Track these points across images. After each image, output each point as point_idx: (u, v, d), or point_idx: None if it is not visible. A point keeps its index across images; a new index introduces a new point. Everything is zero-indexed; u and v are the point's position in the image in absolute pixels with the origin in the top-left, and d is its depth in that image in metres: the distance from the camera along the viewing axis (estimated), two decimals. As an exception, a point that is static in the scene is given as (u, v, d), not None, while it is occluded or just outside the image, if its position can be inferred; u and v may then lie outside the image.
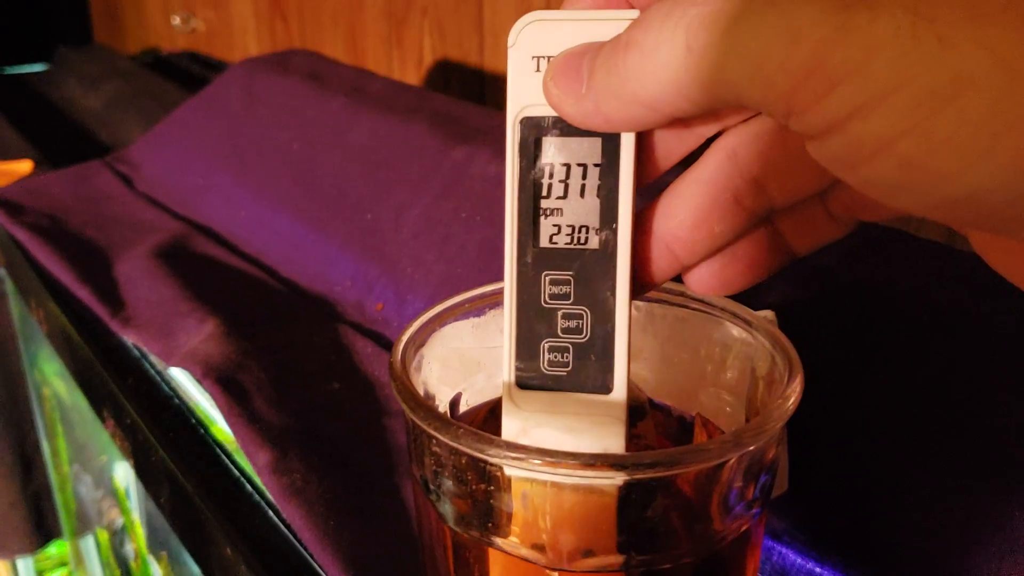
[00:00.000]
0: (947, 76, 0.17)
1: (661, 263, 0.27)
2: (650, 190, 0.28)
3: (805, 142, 0.21)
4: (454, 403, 0.34)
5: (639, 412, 0.33)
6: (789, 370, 0.29)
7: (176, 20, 1.76)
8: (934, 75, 0.17)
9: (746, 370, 0.32)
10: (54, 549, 1.07)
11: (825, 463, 0.39)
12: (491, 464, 0.26)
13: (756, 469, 0.28)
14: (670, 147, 0.27)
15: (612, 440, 0.28)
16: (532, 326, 0.27)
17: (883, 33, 0.18)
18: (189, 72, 1.44)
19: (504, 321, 0.28)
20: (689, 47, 0.21)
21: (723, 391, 0.33)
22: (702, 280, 0.29)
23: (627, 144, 0.26)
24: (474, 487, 0.27)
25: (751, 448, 0.26)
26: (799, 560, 0.39)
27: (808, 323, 0.42)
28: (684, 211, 0.27)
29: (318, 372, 0.54)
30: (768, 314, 0.38)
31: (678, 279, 0.29)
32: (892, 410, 0.39)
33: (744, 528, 0.28)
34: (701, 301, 0.33)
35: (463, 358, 0.34)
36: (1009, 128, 0.17)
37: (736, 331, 0.32)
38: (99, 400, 0.60)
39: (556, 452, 0.24)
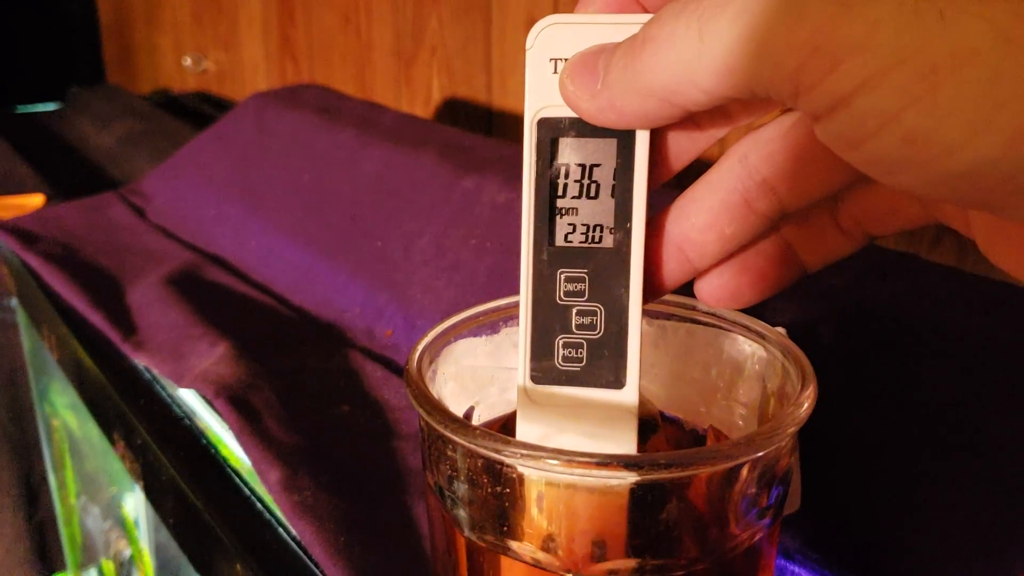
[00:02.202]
0: (948, 49, 0.18)
1: (673, 265, 0.28)
2: (664, 197, 0.28)
3: (813, 125, 0.21)
4: (466, 417, 0.34)
5: (651, 426, 0.33)
6: (802, 379, 0.29)
7: (187, 61, 1.78)
8: (936, 48, 0.18)
9: (758, 384, 0.32)
10: (57, 582, 1.06)
11: (836, 482, 0.39)
12: (507, 466, 0.26)
13: (769, 477, 0.28)
14: (682, 148, 0.27)
15: (625, 439, 0.28)
16: (547, 323, 0.28)
17: (885, 8, 0.18)
18: (200, 112, 1.46)
19: (520, 317, 0.28)
20: (701, 35, 0.21)
21: (735, 405, 0.33)
22: (713, 292, 0.29)
23: (641, 144, 0.26)
24: (489, 491, 0.27)
25: (763, 452, 0.26)
26: (811, 579, 0.39)
27: (819, 343, 0.43)
28: (696, 213, 0.27)
29: (328, 395, 0.54)
30: (780, 331, 0.39)
31: (691, 292, 0.30)
32: (903, 430, 0.39)
33: (757, 537, 0.28)
34: (712, 315, 0.33)
35: (476, 376, 0.34)
36: (1010, 99, 0.17)
37: (748, 345, 0.33)
38: (109, 422, 0.60)
39: (572, 452, 0.25)
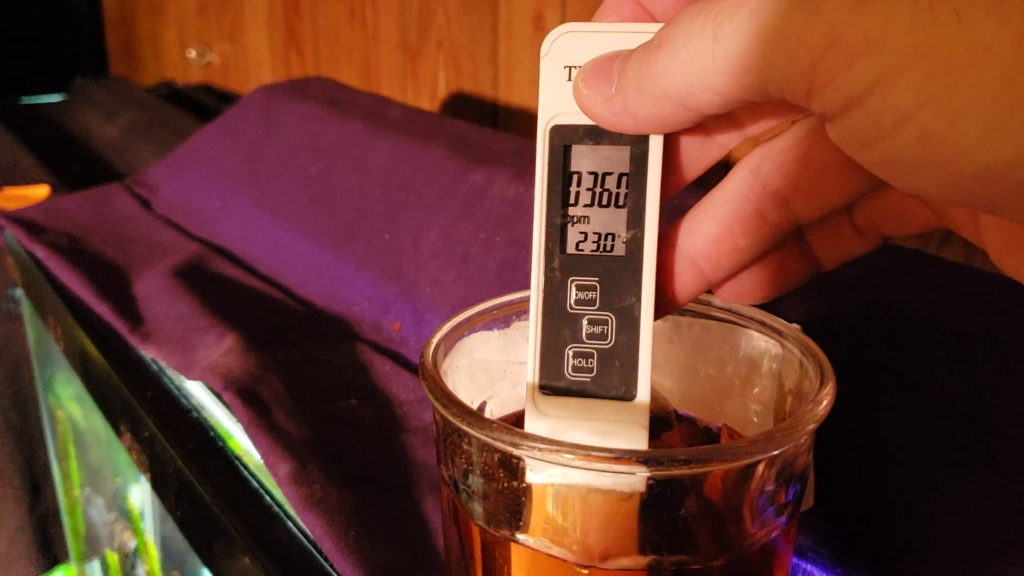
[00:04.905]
0: (963, 48, 0.18)
1: (687, 278, 0.28)
2: (675, 211, 0.28)
3: (826, 126, 0.21)
4: (479, 411, 0.34)
5: (665, 423, 0.32)
6: (821, 376, 0.29)
7: (192, 53, 1.78)
8: (951, 47, 0.18)
9: (774, 381, 0.32)
10: (59, 574, 1.06)
11: (849, 480, 0.39)
12: (524, 460, 0.26)
13: (787, 474, 0.28)
14: (694, 157, 0.27)
15: (635, 445, 0.28)
16: (557, 331, 0.28)
17: (901, 6, 0.18)
18: (204, 104, 1.46)
19: (530, 326, 0.28)
20: (716, 37, 0.21)
21: (750, 402, 0.33)
22: (729, 288, 0.29)
23: (654, 152, 0.26)
24: (505, 485, 0.27)
25: (783, 449, 0.26)
26: (824, 577, 0.38)
27: (831, 341, 0.42)
28: (709, 226, 0.27)
29: (336, 389, 0.54)
30: (795, 327, 0.38)
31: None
32: (916, 427, 0.39)
33: (774, 534, 0.28)
34: (728, 311, 0.33)
35: (488, 370, 0.34)
36: None
37: (764, 341, 0.32)
38: (116, 415, 0.60)
39: (590, 447, 0.24)
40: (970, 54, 0.18)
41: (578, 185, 0.27)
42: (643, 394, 0.27)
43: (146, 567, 0.72)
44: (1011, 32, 0.17)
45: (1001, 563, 0.35)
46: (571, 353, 0.28)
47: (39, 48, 2.24)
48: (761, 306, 0.30)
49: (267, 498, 0.46)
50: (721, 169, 0.27)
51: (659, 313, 0.28)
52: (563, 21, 0.27)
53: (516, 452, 0.26)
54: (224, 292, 0.67)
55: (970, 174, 0.18)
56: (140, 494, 0.71)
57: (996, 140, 0.18)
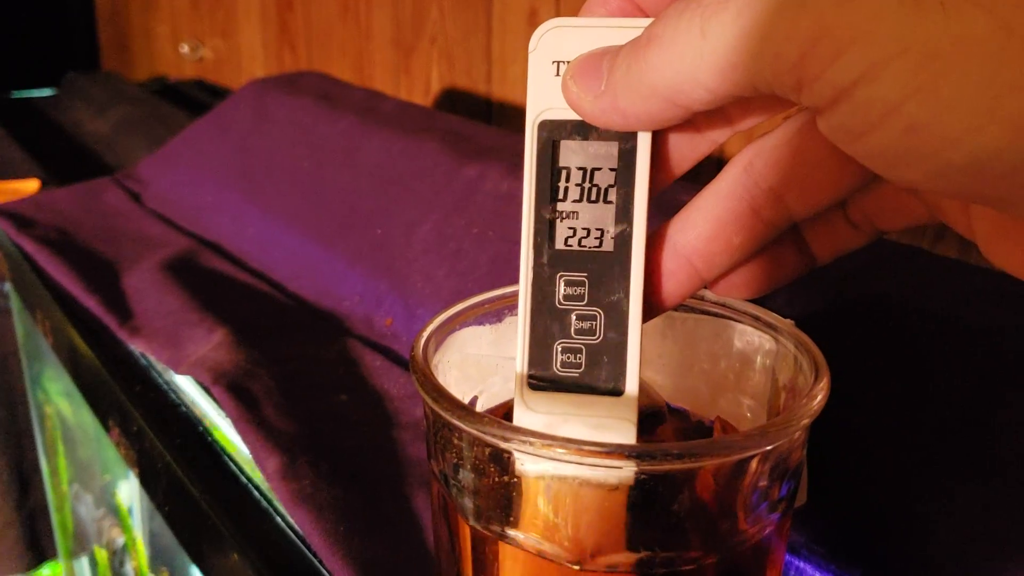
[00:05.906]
0: (949, 39, 0.18)
1: (681, 276, 0.28)
2: (668, 207, 0.28)
3: (816, 119, 0.21)
4: (470, 405, 0.34)
5: (658, 417, 0.32)
6: (815, 371, 0.29)
7: (184, 48, 1.77)
8: (937, 38, 0.18)
9: (768, 377, 0.32)
10: (47, 570, 1.06)
11: (844, 476, 0.39)
12: (515, 455, 0.26)
13: (782, 469, 0.27)
14: (683, 153, 0.27)
15: (623, 440, 0.28)
16: (546, 327, 0.28)
17: None
18: (196, 99, 1.45)
19: (518, 321, 0.28)
20: (704, 33, 0.21)
21: (744, 397, 0.33)
22: (723, 283, 0.29)
23: (643, 148, 0.26)
24: (496, 480, 0.27)
25: (777, 444, 0.26)
26: (817, 574, 0.38)
27: (825, 336, 0.42)
28: (702, 224, 0.27)
29: (326, 384, 0.54)
30: (789, 323, 0.38)
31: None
32: (912, 423, 0.38)
33: (767, 531, 0.28)
34: (721, 305, 0.33)
35: (480, 365, 0.34)
36: (1011, 89, 0.17)
37: (758, 336, 0.32)
38: (104, 409, 0.60)
39: (582, 441, 0.24)
40: (956, 45, 0.18)
41: (566, 180, 0.27)
42: (631, 389, 0.27)
43: (134, 563, 0.72)
44: (997, 23, 0.17)
45: (997, 561, 0.35)
46: (559, 348, 0.28)
47: (31, 42, 2.24)
48: (755, 301, 0.30)
49: (256, 494, 0.46)
50: (714, 164, 0.27)
51: (654, 312, 0.28)
52: (557, 16, 0.26)
53: (506, 446, 0.26)
54: (214, 287, 0.67)
55: (958, 165, 0.19)
56: (128, 490, 0.71)
57: (983, 131, 0.18)
